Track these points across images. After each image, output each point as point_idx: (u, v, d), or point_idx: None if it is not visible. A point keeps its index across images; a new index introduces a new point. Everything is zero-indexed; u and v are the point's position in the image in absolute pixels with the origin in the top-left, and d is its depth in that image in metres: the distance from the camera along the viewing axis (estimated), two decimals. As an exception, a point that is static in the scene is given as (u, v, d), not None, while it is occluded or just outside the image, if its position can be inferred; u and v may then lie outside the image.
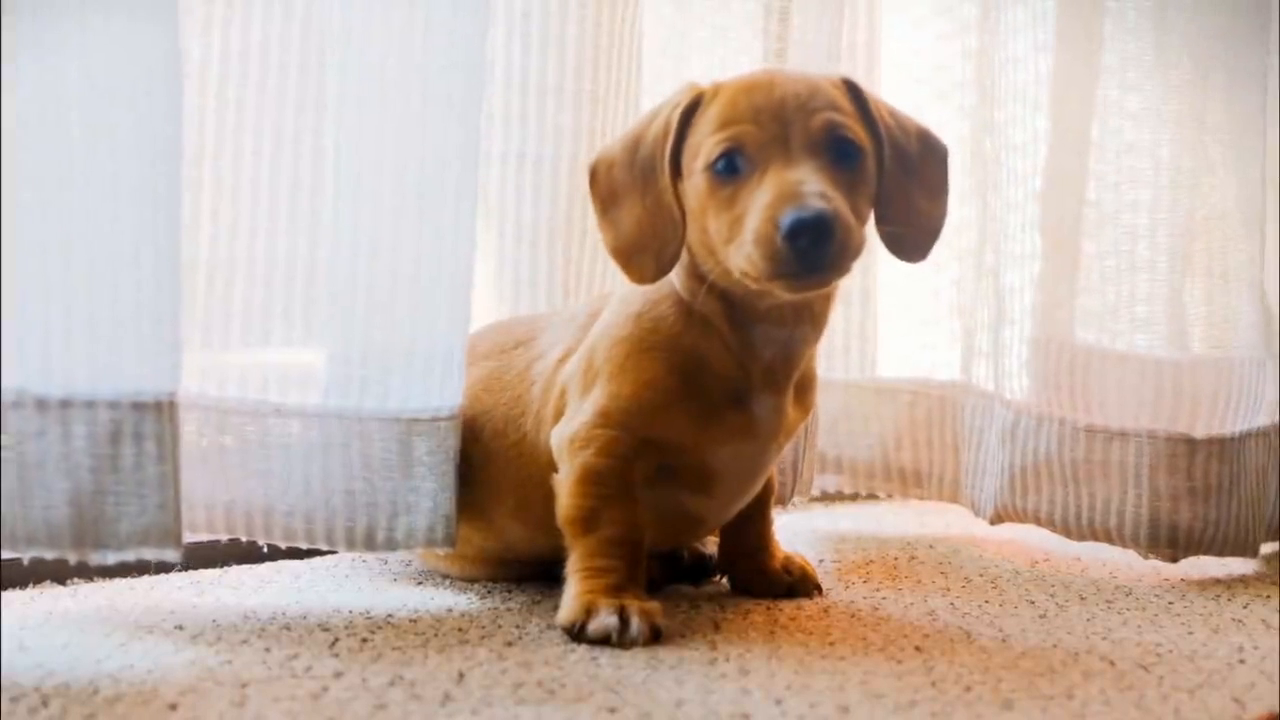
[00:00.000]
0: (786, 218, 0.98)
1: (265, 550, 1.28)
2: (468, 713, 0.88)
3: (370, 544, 1.16)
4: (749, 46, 1.48)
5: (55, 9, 0.97)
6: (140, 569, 1.23)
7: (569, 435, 1.11)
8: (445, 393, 1.16)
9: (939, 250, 1.57)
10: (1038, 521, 1.44)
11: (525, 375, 1.20)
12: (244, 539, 1.17)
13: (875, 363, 1.64)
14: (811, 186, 1.00)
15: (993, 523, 1.47)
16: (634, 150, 1.11)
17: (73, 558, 0.99)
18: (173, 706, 0.88)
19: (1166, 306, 1.43)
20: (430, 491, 1.16)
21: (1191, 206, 1.43)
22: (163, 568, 1.25)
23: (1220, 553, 1.40)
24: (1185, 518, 1.38)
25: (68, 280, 0.99)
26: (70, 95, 0.98)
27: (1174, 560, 1.39)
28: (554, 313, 1.29)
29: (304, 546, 1.18)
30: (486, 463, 1.19)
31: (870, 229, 1.10)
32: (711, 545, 1.30)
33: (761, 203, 1.01)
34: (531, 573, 1.25)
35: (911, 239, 1.13)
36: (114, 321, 1.00)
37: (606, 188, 1.12)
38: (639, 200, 1.10)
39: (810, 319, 1.12)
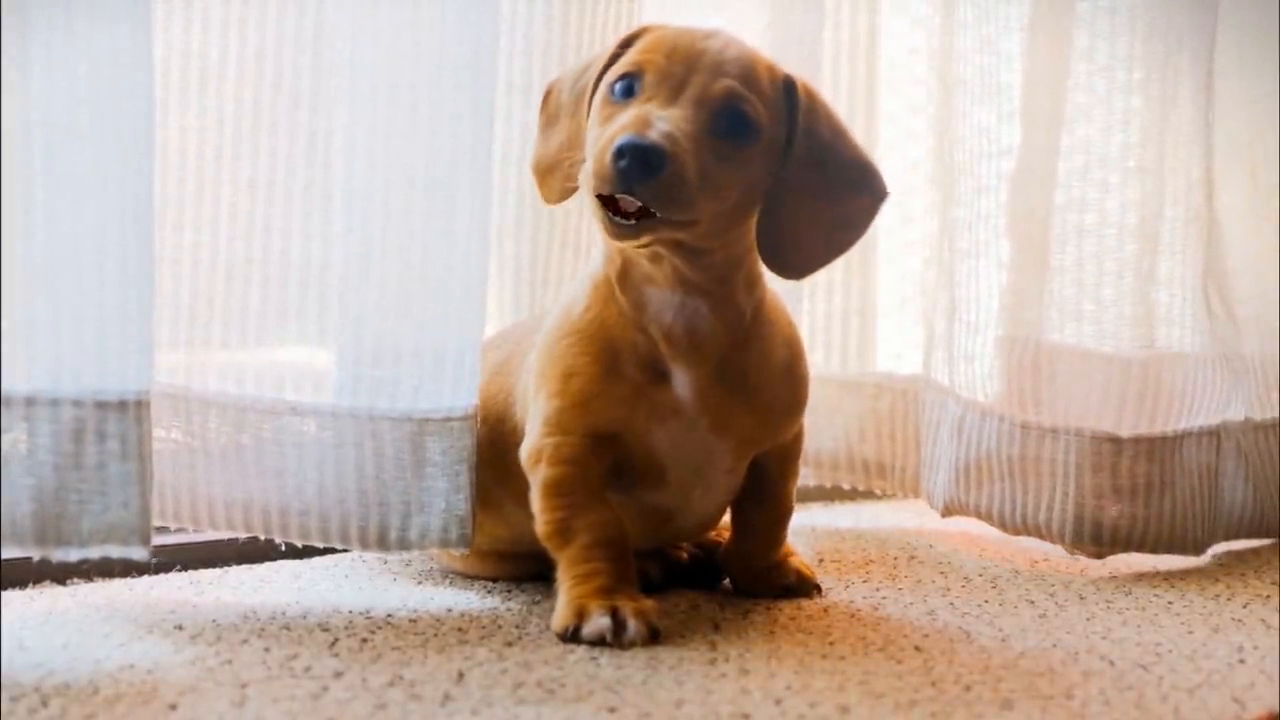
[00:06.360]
0: (621, 138, 0.99)
1: (264, 550, 1.28)
2: (467, 712, 0.88)
3: (383, 544, 1.16)
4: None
5: (17, 6, 0.96)
6: (140, 569, 1.23)
7: (527, 450, 1.12)
8: (458, 393, 1.16)
9: (922, 246, 1.58)
10: (979, 515, 1.45)
11: (520, 366, 1.20)
12: (261, 537, 1.17)
13: (875, 359, 1.64)
14: (663, 125, 1.00)
15: (944, 515, 1.48)
16: (579, 76, 1.13)
17: (35, 554, 0.99)
18: (173, 706, 0.88)
19: (1120, 305, 1.43)
20: (442, 491, 1.16)
21: (1150, 205, 1.43)
22: (162, 567, 1.25)
23: (1154, 550, 1.40)
24: (1111, 515, 1.39)
25: (32, 279, 0.98)
26: (34, 93, 0.97)
27: (1099, 557, 1.40)
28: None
29: (319, 545, 1.18)
30: (497, 447, 1.19)
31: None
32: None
33: (616, 124, 1.02)
34: (536, 572, 1.24)
35: (783, 256, 1.09)
36: (79, 321, 0.99)
37: (552, 108, 1.15)
38: (569, 122, 1.12)
39: (698, 290, 1.08)
